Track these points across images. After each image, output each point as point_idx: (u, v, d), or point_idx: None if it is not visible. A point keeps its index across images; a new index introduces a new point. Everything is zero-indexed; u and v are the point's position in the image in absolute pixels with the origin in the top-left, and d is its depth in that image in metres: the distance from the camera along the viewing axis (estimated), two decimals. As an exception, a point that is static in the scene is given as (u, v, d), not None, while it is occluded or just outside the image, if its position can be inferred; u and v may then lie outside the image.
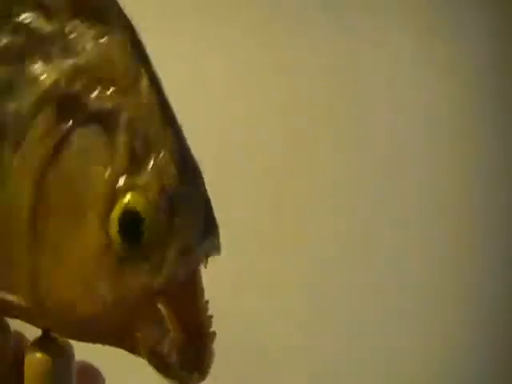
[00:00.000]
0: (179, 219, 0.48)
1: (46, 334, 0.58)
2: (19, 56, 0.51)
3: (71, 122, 0.50)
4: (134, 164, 0.49)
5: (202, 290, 0.51)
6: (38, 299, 0.52)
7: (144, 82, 0.49)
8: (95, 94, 0.49)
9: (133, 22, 0.50)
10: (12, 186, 0.51)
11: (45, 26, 0.51)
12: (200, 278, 0.52)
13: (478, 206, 1.42)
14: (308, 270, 1.30)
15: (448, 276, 1.39)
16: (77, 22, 0.50)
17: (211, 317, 0.51)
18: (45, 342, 0.58)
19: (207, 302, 0.52)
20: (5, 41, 0.51)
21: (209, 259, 0.52)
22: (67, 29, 0.51)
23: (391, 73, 1.35)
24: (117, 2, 0.50)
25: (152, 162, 0.48)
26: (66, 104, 0.50)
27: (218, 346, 0.51)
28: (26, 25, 0.52)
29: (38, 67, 0.51)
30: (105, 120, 0.49)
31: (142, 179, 0.48)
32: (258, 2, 1.25)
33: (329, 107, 1.32)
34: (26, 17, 0.52)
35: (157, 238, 0.48)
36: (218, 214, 0.51)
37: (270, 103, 1.27)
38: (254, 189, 1.27)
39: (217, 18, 1.22)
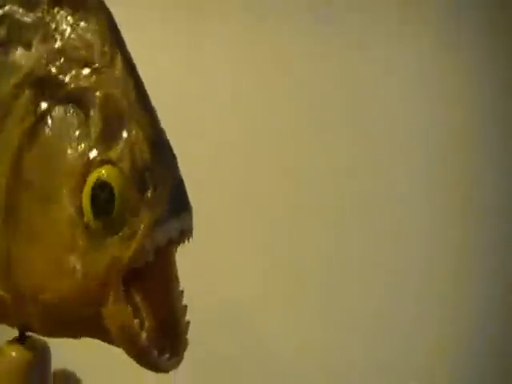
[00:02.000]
0: (150, 193, 0.48)
1: (22, 334, 0.58)
2: (2, 45, 0.54)
3: (49, 101, 0.51)
4: (108, 139, 0.49)
5: (176, 278, 0.51)
6: (12, 282, 0.52)
7: (119, 64, 0.50)
8: (72, 74, 0.51)
9: (109, 9, 0.52)
10: None
11: (27, 17, 0.54)
12: (175, 266, 0.51)
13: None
14: (318, 271, 1.29)
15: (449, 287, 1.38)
16: (57, 10, 0.53)
17: (186, 306, 0.51)
18: (21, 342, 0.57)
19: (182, 291, 0.51)
20: None
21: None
22: (48, 18, 0.53)
23: (396, 83, 1.37)
24: None
25: (125, 138, 0.49)
26: (44, 85, 0.52)
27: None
28: (9, 16, 0.54)
29: (18, 54, 0.53)
30: (81, 98, 0.51)
31: (115, 153, 0.49)
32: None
33: (334, 110, 1.33)
34: (9, 9, 0.54)
35: (127, 211, 0.48)
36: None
37: (276, 105, 1.28)
38: (259, 189, 1.26)
39: (222, 19, 1.24)
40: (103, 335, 0.51)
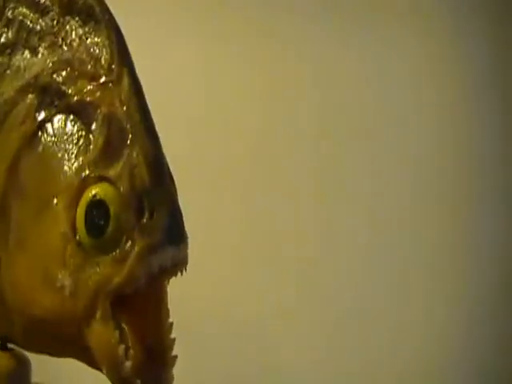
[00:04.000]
0: (146, 218, 0.47)
1: (3, 344, 0.57)
2: (8, 48, 0.53)
3: (51, 109, 0.50)
4: (107, 157, 0.48)
5: (167, 310, 0.50)
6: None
7: (125, 82, 0.49)
8: (77, 86, 0.50)
9: (117, 21, 0.51)
10: None
11: (36, 22, 0.53)
12: (166, 297, 0.50)
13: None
14: (284, 263, 1.26)
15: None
16: (67, 19, 0.52)
17: (174, 340, 0.49)
18: (2, 351, 0.56)
19: (171, 323, 0.50)
20: None
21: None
22: (57, 26, 0.52)
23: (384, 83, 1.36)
24: (104, 2, 0.52)
25: (125, 159, 0.48)
26: (47, 93, 0.50)
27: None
28: (18, 20, 0.53)
29: (24, 59, 0.52)
30: (83, 112, 0.49)
31: (114, 171, 0.47)
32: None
33: (315, 103, 1.31)
34: (19, 12, 0.53)
35: (121, 233, 0.47)
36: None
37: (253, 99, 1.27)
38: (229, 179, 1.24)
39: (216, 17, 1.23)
40: (86, 357, 0.50)
